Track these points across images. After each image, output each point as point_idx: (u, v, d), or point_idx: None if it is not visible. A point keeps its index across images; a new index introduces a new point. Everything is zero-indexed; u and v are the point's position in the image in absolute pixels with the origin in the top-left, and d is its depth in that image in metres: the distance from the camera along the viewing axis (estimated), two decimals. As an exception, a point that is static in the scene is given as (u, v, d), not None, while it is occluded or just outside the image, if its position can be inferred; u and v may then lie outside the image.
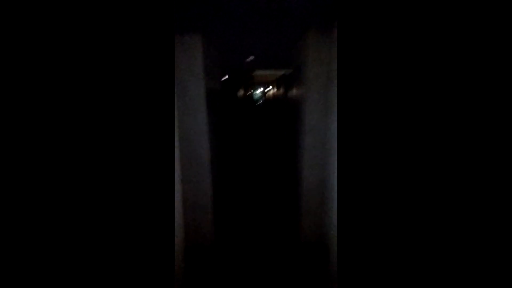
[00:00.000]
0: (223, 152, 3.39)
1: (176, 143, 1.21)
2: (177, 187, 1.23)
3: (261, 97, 10.62)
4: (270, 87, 9.63)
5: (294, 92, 2.82)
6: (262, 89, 10.76)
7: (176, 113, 1.14)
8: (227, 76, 5.98)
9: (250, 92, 10.04)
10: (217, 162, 2.67)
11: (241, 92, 8.07)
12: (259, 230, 2.64)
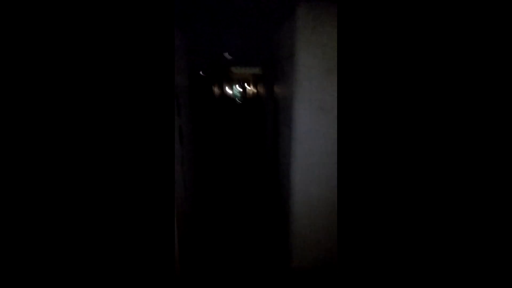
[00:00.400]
0: (197, 155, 3.05)
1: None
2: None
3: (240, 95, 10.28)
4: (250, 84, 9.33)
5: (278, 90, 2.41)
6: (240, 86, 10.38)
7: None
8: (201, 72, 5.61)
9: (229, 89, 9.59)
10: (189, 164, 2.30)
11: (219, 89, 7.65)
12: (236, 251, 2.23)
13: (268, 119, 3.41)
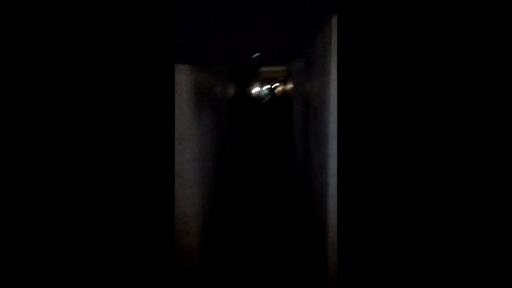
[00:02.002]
0: (226, 153, 3.12)
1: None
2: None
3: (268, 94, 10.30)
4: (278, 84, 9.28)
5: (307, 88, 2.40)
6: (269, 86, 10.39)
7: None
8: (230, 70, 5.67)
9: (257, 89, 9.67)
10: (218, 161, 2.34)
11: (247, 89, 7.75)
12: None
13: (296, 118, 3.40)
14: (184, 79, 1.70)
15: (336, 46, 1.39)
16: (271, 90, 10.65)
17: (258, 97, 10.13)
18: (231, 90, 4.25)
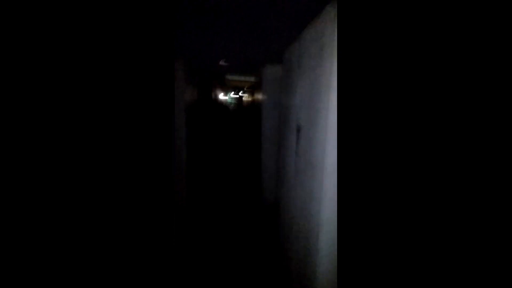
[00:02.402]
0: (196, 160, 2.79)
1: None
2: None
3: (234, 102, 10.08)
4: (245, 92, 9.12)
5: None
6: (234, 93, 10.17)
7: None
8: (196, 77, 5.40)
9: (223, 97, 9.37)
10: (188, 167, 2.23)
11: (213, 96, 7.44)
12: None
13: (267, 132, 3.14)
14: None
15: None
16: (238, 98, 10.48)
17: (225, 103, 9.87)
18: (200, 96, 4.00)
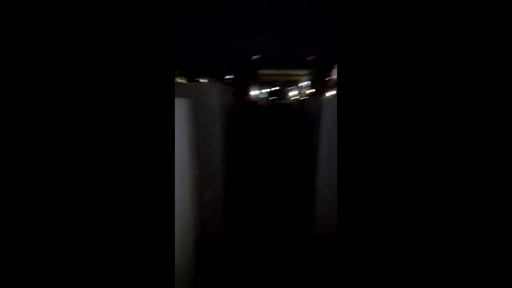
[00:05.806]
0: (233, 154, 2.79)
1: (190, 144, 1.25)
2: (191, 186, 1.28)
3: (268, 97, 9.11)
4: (283, 87, 8.01)
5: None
6: (272, 89, 9.04)
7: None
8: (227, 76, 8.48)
9: (259, 92, 9.02)
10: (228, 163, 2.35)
11: (249, 92, 7.23)
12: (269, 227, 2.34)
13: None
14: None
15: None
16: (275, 93, 9.78)
17: (259, 101, 8.74)
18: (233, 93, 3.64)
